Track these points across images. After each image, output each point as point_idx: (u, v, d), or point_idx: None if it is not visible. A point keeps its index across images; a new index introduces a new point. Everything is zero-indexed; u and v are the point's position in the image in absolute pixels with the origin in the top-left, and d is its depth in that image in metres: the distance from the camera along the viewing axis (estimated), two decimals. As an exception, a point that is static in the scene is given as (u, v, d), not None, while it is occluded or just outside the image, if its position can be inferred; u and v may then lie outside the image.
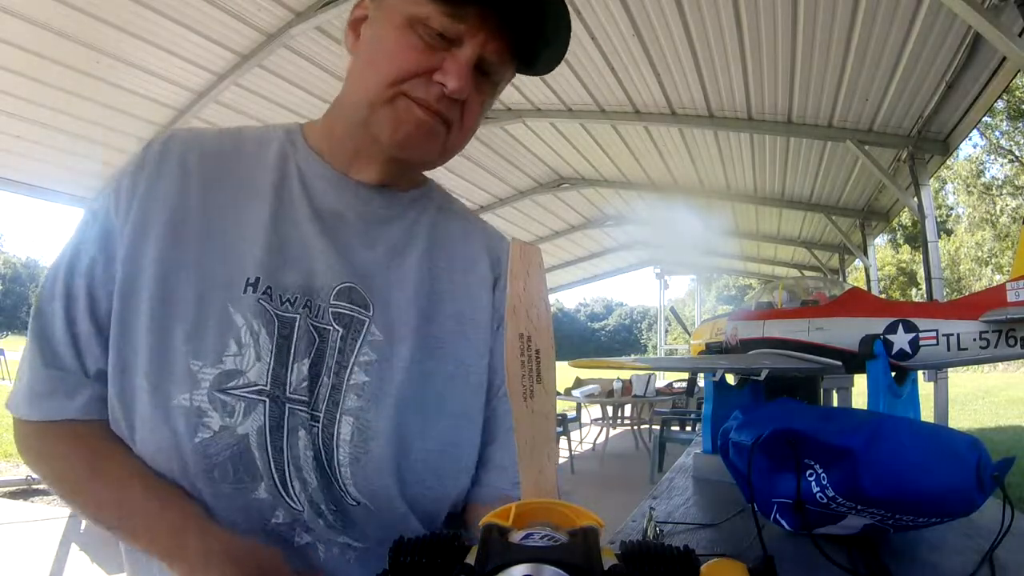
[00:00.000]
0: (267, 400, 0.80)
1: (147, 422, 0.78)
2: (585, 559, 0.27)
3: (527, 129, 7.98)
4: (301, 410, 0.81)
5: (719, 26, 5.14)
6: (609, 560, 0.29)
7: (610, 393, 11.22)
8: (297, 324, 0.83)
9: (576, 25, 5.38)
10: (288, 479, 0.79)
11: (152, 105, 6.36)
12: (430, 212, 0.99)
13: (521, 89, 6.96)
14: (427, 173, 1.03)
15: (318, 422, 0.81)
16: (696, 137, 7.68)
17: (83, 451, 0.80)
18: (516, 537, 0.30)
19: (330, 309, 0.85)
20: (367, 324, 0.86)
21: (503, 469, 0.92)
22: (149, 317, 0.80)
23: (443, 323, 0.91)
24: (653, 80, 6.28)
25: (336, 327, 0.85)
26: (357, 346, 0.85)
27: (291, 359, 0.82)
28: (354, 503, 0.82)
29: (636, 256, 15.90)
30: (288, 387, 0.81)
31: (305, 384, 0.82)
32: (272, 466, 0.79)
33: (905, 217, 9.22)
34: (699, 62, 5.77)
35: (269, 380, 0.80)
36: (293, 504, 0.80)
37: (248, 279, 0.82)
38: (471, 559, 0.29)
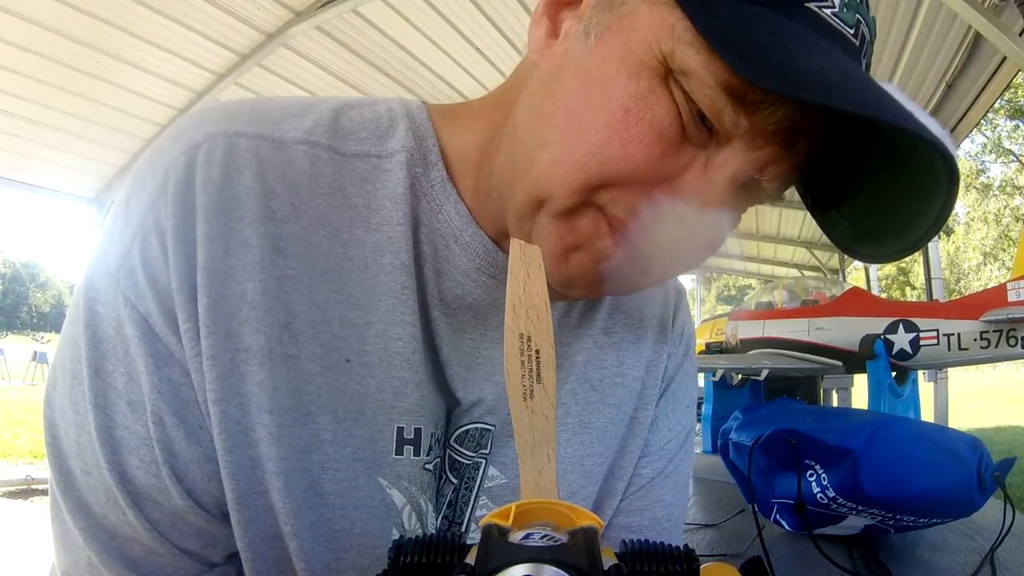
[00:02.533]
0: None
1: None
2: (585, 559, 0.27)
3: None
4: None
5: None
6: (609, 560, 0.29)
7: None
8: (445, 465, 0.61)
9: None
10: None
11: (152, 104, 6.36)
12: (600, 307, 0.68)
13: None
14: None
15: None
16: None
17: None
18: (516, 537, 0.30)
19: (449, 453, 0.60)
20: (483, 466, 0.61)
21: None
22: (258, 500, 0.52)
23: (601, 433, 0.66)
24: None
25: (452, 479, 0.61)
26: (472, 497, 0.61)
27: (466, 512, 0.60)
28: None
29: None
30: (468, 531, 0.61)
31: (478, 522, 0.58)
32: None
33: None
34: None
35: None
36: None
37: (402, 431, 0.55)
38: (471, 559, 0.29)
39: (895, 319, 4.11)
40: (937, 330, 3.93)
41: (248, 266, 0.50)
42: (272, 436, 0.50)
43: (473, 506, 0.59)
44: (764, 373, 3.75)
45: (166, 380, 0.49)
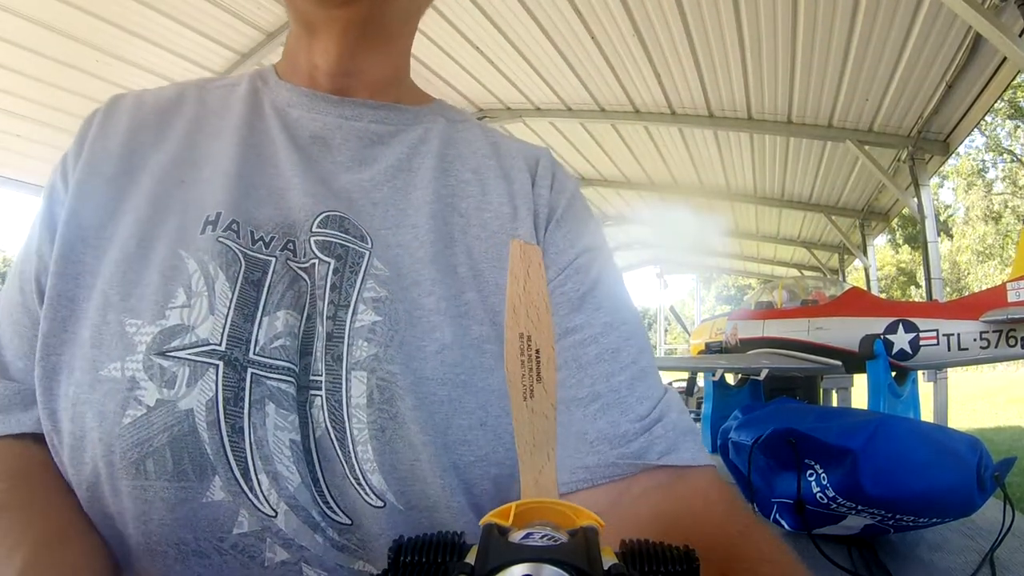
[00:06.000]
0: (220, 364, 0.59)
1: (69, 408, 0.59)
2: (585, 559, 0.27)
3: (527, 128, 7.94)
4: (271, 377, 0.59)
5: (719, 25, 5.13)
6: (609, 560, 0.29)
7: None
8: (273, 267, 0.64)
9: (576, 24, 5.41)
10: (251, 471, 0.58)
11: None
12: (441, 125, 0.79)
13: (521, 88, 6.94)
14: None
15: (319, 389, 0.60)
16: (696, 137, 7.66)
17: (11, 486, 0.61)
18: (516, 537, 0.30)
19: (312, 239, 0.65)
20: (367, 256, 0.66)
21: (578, 435, 0.63)
22: (81, 284, 0.63)
23: (469, 247, 0.70)
24: (653, 79, 6.26)
25: (324, 258, 0.65)
26: (359, 280, 0.64)
27: (259, 310, 0.62)
28: (377, 503, 0.58)
29: (636, 256, 15.90)
30: (252, 346, 0.60)
31: (281, 343, 0.61)
32: (229, 453, 0.57)
33: (905, 215, 9.23)
34: (699, 61, 5.75)
35: (225, 337, 0.59)
36: (260, 506, 0.58)
37: (208, 217, 0.65)
38: (471, 558, 0.29)
39: (895, 319, 4.11)
40: (937, 330, 3.94)
41: (115, 142, 0.71)
42: (96, 223, 0.67)
43: (360, 287, 0.64)
44: (764, 373, 3.76)
45: (51, 210, 0.69)
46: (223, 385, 0.58)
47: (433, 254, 0.67)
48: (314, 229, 0.65)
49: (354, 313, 0.62)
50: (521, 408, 0.38)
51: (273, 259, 0.64)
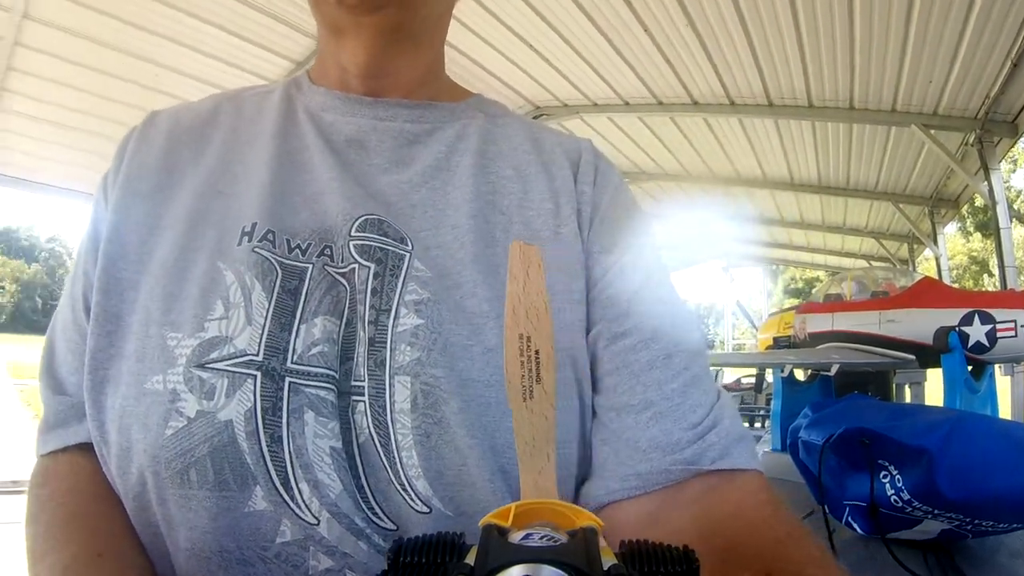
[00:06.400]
0: (258, 374, 0.60)
1: (116, 420, 0.61)
2: (584, 559, 0.27)
3: (584, 124, 7.89)
4: (309, 385, 0.60)
5: (773, 9, 5.01)
6: (608, 560, 0.29)
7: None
8: (310, 274, 0.64)
9: (628, 17, 5.37)
10: (292, 479, 0.58)
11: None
12: (479, 121, 0.78)
13: (577, 84, 6.93)
14: None
15: (362, 395, 0.60)
16: (756, 127, 7.54)
17: (61, 502, 0.65)
18: (516, 537, 0.30)
19: (351, 243, 0.65)
20: (407, 259, 0.65)
21: (631, 442, 0.62)
22: (125, 299, 0.66)
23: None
24: (709, 69, 6.17)
25: (364, 263, 0.64)
26: (400, 283, 0.64)
27: (296, 319, 0.62)
28: (423, 508, 0.58)
29: (700, 250, 15.71)
30: (290, 354, 0.61)
31: (320, 350, 0.61)
32: (269, 463, 0.58)
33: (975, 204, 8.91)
34: (755, 47, 5.63)
35: (262, 347, 0.60)
36: (302, 515, 0.58)
37: (244, 227, 0.65)
38: (471, 559, 0.29)
39: (970, 310, 3.96)
40: (1015, 321, 3.78)
41: (153, 157, 0.72)
42: (137, 239, 0.68)
43: (401, 291, 0.63)
44: (834, 368, 3.65)
45: (95, 228, 0.71)
46: (261, 395, 0.59)
47: (475, 254, 0.66)
48: (353, 233, 0.65)
49: (396, 317, 0.61)
50: (520, 409, 0.38)
51: (310, 266, 0.64)
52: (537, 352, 0.37)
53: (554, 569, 0.27)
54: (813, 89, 6.17)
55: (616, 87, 6.86)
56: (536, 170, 0.74)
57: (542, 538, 0.30)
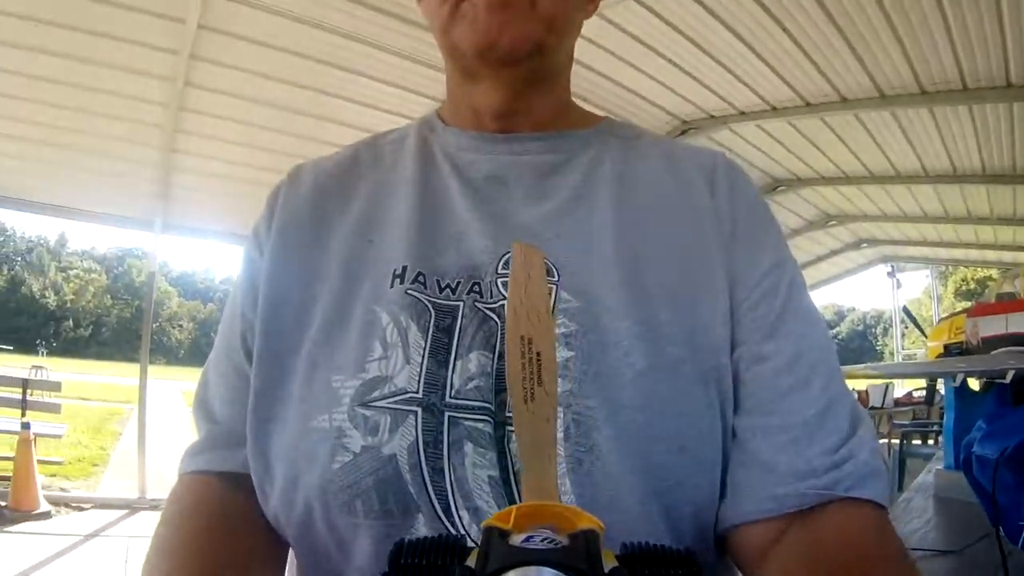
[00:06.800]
0: (419, 410, 0.64)
1: (283, 455, 0.67)
2: (585, 561, 0.27)
3: (733, 135, 7.75)
4: (467, 419, 0.64)
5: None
6: (610, 563, 0.29)
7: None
8: (461, 312, 0.68)
9: (764, 19, 5.24)
10: (453, 507, 0.62)
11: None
12: (613, 145, 0.79)
13: (721, 94, 6.81)
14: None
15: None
16: (911, 117, 7.09)
17: (182, 522, 0.71)
18: (517, 540, 0.30)
19: (499, 280, 0.69)
20: (554, 291, 0.67)
21: (768, 466, 0.63)
22: (285, 344, 0.71)
23: (658, 267, 0.70)
24: (855, 62, 5.87)
25: None
26: None
27: (452, 355, 0.66)
28: None
29: (864, 255, 15.00)
30: (448, 390, 0.65)
31: (476, 384, 0.64)
32: (431, 492, 0.62)
33: None
34: (900, 33, 5.27)
35: (421, 385, 0.65)
36: None
37: (395, 271, 0.70)
38: (472, 561, 0.29)
39: None
40: None
41: (304, 207, 0.78)
42: (297, 283, 0.73)
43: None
44: (1009, 375, 3.32)
45: (251, 274, 0.77)
46: (423, 430, 0.63)
47: (622, 278, 0.68)
48: (500, 270, 0.69)
49: None
50: (522, 411, 0.38)
51: (461, 303, 0.68)
52: (539, 354, 0.37)
53: (556, 572, 0.27)
54: (966, 70, 5.73)
55: (761, 92, 6.69)
56: (674, 189, 0.75)
57: (543, 540, 0.30)
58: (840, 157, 8.58)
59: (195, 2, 4.93)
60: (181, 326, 78.87)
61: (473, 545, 0.32)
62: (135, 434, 7.90)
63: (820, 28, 5.35)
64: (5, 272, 73.11)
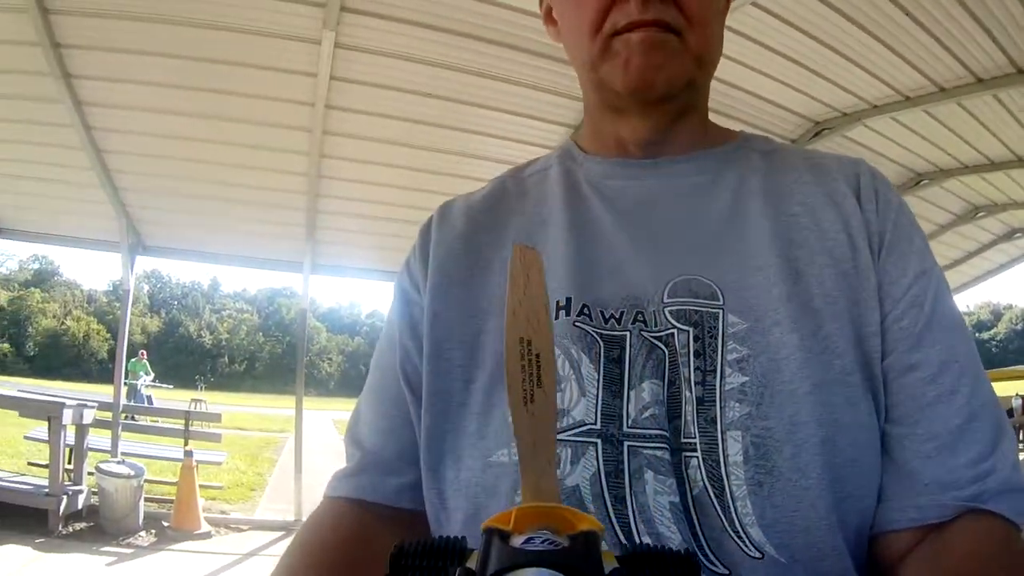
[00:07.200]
0: (599, 441, 0.65)
1: (462, 489, 0.69)
2: (585, 563, 0.27)
3: (868, 130, 7.27)
4: (646, 447, 0.64)
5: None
6: (609, 564, 0.29)
7: (1008, 412, 9.90)
8: (628, 341, 0.68)
9: (889, 8, 4.99)
10: (635, 534, 0.63)
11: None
12: (756, 160, 0.79)
13: (852, 89, 6.44)
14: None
15: (694, 451, 0.63)
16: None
17: (311, 540, 0.74)
18: (517, 541, 0.30)
19: (665, 310, 0.68)
20: (721, 315, 0.67)
21: (912, 475, 0.64)
22: (453, 377, 0.73)
23: (819, 278, 0.69)
24: (986, 39, 5.41)
25: (682, 327, 0.67)
26: (719, 344, 0.66)
27: (625, 385, 0.67)
28: (756, 554, 0.60)
29: (1018, 246, 13.53)
30: (625, 420, 0.65)
31: (651, 412, 0.65)
32: (614, 521, 0.63)
33: None
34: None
35: (598, 416, 0.65)
36: None
37: (559, 302, 0.70)
38: (472, 563, 0.30)
39: None
40: None
41: (457, 243, 0.80)
42: (460, 319, 0.75)
43: (723, 351, 0.66)
44: None
45: (408, 306, 0.80)
46: (603, 460, 0.64)
47: (786, 292, 0.68)
48: (665, 300, 0.69)
49: (722, 377, 0.65)
50: (521, 413, 0.38)
51: (627, 333, 0.68)
52: (538, 356, 0.37)
53: (555, 573, 0.27)
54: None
55: (893, 83, 6.30)
56: (822, 200, 0.74)
57: (543, 542, 0.30)
58: (982, 142, 7.87)
59: (325, 56, 5.19)
60: (330, 359, 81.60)
61: (473, 547, 0.32)
62: (289, 461, 8.23)
63: (945, 7, 5.05)
64: (163, 315, 78.12)
